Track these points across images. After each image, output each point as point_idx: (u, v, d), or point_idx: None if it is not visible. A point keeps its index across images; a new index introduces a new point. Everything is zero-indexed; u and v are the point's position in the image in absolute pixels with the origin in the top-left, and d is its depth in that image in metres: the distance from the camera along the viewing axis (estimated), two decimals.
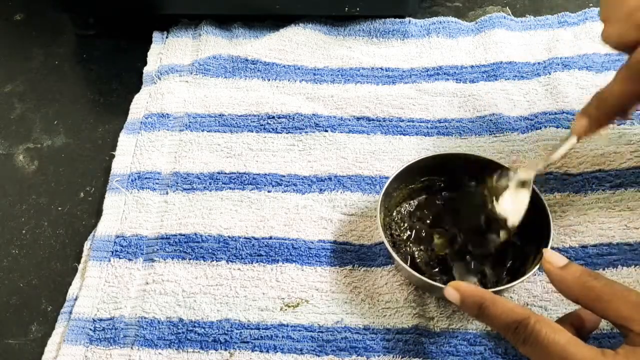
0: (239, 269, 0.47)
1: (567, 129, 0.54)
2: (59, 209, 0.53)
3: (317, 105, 0.57)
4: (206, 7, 0.64)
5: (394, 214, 0.48)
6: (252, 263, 0.47)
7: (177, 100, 0.59)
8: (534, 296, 0.44)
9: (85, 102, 0.62)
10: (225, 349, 0.43)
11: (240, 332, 0.43)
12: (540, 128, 0.54)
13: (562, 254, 0.38)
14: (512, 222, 0.43)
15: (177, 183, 0.52)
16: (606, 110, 0.39)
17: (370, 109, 0.57)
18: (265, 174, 0.52)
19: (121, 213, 0.50)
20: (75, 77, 0.65)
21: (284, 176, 0.52)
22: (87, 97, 0.62)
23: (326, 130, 0.55)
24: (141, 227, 0.49)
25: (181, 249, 0.48)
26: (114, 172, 0.53)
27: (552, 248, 0.41)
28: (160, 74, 0.61)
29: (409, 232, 0.47)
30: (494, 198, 0.44)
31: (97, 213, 0.51)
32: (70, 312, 0.45)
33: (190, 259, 0.47)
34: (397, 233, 0.47)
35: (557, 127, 0.54)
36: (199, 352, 0.43)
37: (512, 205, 0.43)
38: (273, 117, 0.56)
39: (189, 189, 0.52)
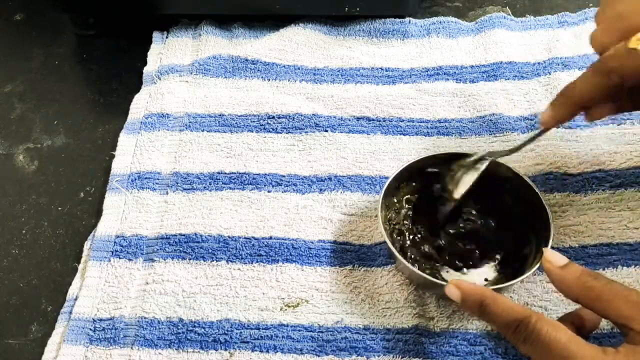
0: (239, 269, 0.47)
1: (567, 129, 0.54)
2: (59, 209, 0.53)
3: (317, 105, 0.57)
4: (206, 7, 0.64)
5: (395, 212, 0.48)
6: (252, 263, 0.47)
7: (177, 100, 0.59)
8: (534, 296, 0.44)
9: (85, 102, 0.62)
10: (225, 349, 0.43)
11: (240, 332, 0.43)
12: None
13: (562, 254, 0.38)
14: (456, 194, 0.44)
15: (177, 183, 0.52)
16: (568, 103, 0.40)
17: (370, 109, 0.57)
18: (265, 174, 0.52)
19: (121, 213, 0.50)
20: (75, 77, 0.65)
21: (284, 176, 0.52)
22: (87, 97, 0.62)
23: (326, 130, 0.55)
24: (141, 227, 0.49)
25: (181, 249, 0.48)
26: (114, 172, 0.53)
27: (552, 248, 0.41)
28: (160, 74, 0.61)
29: (409, 231, 0.47)
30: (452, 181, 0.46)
31: (97, 213, 0.51)
32: (70, 312, 0.45)
33: (190, 259, 0.47)
34: (397, 232, 0.47)
35: (557, 127, 0.54)
36: (199, 352, 0.43)
37: (460, 182, 0.45)
38: (273, 117, 0.56)
39: (189, 189, 0.52)
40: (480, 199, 0.48)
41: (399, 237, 0.47)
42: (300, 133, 0.55)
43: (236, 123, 0.56)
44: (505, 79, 0.59)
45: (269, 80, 0.60)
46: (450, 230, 0.47)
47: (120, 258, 0.48)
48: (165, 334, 0.43)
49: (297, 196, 0.51)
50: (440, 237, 0.47)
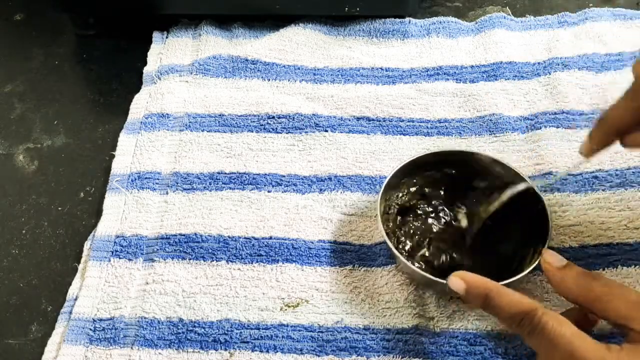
0: (239, 269, 0.47)
1: (567, 129, 0.54)
2: (59, 209, 0.53)
3: (317, 105, 0.57)
4: (206, 7, 0.64)
5: (394, 210, 0.48)
6: (252, 263, 0.47)
7: (177, 100, 0.59)
8: (534, 296, 0.44)
9: (85, 102, 0.62)
10: (225, 349, 0.43)
11: (240, 332, 0.43)
12: (540, 128, 0.54)
13: (562, 254, 0.38)
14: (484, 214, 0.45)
15: (177, 183, 0.52)
16: (606, 130, 0.39)
17: (370, 109, 0.57)
18: (265, 174, 0.52)
19: (121, 213, 0.50)
20: (75, 77, 0.65)
21: (284, 176, 0.52)
22: (87, 97, 0.62)
23: (326, 130, 0.55)
24: (141, 227, 0.49)
25: (181, 249, 0.48)
26: (114, 172, 0.53)
27: (552, 248, 0.41)
28: (160, 74, 0.61)
29: (409, 229, 0.47)
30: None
31: (97, 213, 0.51)
32: (70, 312, 0.45)
33: (190, 259, 0.47)
34: (397, 230, 0.47)
35: (557, 127, 0.54)
36: (199, 352, 0.43)
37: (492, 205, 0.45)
38: (273, 117, 0.56)
39: (189, 189, 0.52)
40: (480, 199, 0.48)
41: (399, 235, 0.47)
42: (300, 133, 0.55)
43: (236, 123, 0.56)
44: (505, 79, 0.59)
45: (269, 80, 0.60)
46: (449, 232, 0.47)
47: (120, 258, 0.48)
48: (165, 334, 0.43)
49: (297, 196, 0.51)
50: (440, 237, 0.47)
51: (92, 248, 0.48)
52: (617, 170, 0.51)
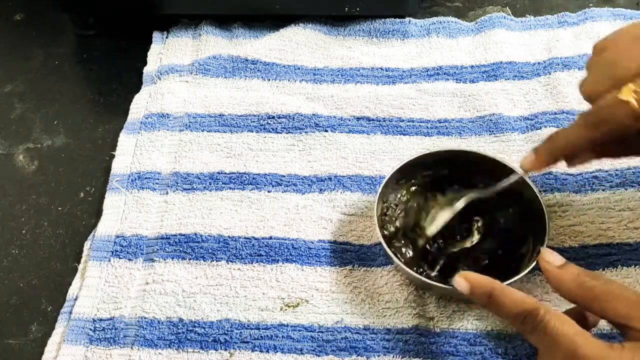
0: (239, 269, 0.47)
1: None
2: (59, 209, 0.53)
3: (317, 105, 0.57)
4: (206, 7, 0.64)
5: (393, 211, 0.48)
6: (252, 263, 0.47)
7: (177, 100, 0.59)
8: (534, 296, 0.44)
9: (85, 102, 0.62)
10: (225, 349, 0.43)
11: (240, 332, 0.43)
12: (540, 128, 0.54)
13: (562, 254, 0.38)
14: (429, 231, 0.45)
15: (177, 183, 0.52)
16: (553, 151, 0.40)
17: (370, 109, 0.57)
18: (265, 174, 0.52)
19: (121, 213, 0.50)
20: (75, 77, 0.65)
21: (284, 176, 0.52)
22: (87, 97, 0.62)
23: (326, 130, 0.55)
24: (141, 227, 0.49)
25: (181, 249, 0.48)
26: (114, 172, 0.53)
27: (552, 248, 0.41)
28: (160, 74, 0.61)
29: (405, 231, 0.47)
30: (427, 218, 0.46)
31: (97, 213, 0.51)
32: (70, 312, 0.45)
33: (190, 259, 0.47)
34: (395, 231, 0.47)
35: (557, 127, 0.54)
36: (199, 352, 0.43)
37: (435, 219, 0.46)
38: (273, 117, 0.56)
39: (189, 189, 0.52)
40: (479, 198, 0.48)
41: (396, 239, 0.47)
42: (300, 133, 0.55)
43: (236, 123, 0.56)
44: (505, 79, 0.59)
45: (269, 80, 0.60)
46: (447, 232, 0.47)
47: (120, 258, 0.48)
48: (165, 334, 0.43)
49: (297, 196, 0.51)
50: (438, 238, 0.47)
51: (92, 248, 0.48)
52: (617, 170, 0.51)
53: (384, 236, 0.44)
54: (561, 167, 0.43)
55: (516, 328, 0.36)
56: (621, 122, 0.35)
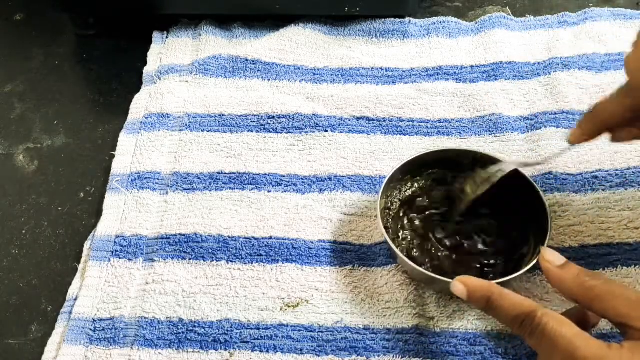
0: (239, 269, 0.47)
1: (567, 129, 0.54)
2: (59, 209, 0.53)
3: (317, 105, 0.57)
4: (206, 7, 0.64)
5: (396, 207, 0.48)
6: (252, 263, 0.47)
7: (177, 100, 0.59)
8: (534, 296, 0.44)
9: (85, 102, 0.62)
10: (225, 349, 0.43)
11: (240, 332, 0.43)
12: (540, 128, 0.54)
13: (562, 254, 0.38)
14: (468, 198, 0.45)
15: (177, 183, 0.52)
16: (596, 122, 0.40)
17: (370, 109, 0.57)
18: (265, 174, 0.52)
19: (121, 213, 0.50)
20: (75, 77, 0.65)
21: (284, 176, 0.52)
22: (87, 97, 0.62)
23: (326, 130, 0.55)
24: (141, 227, 0.49)
25: (181, 249, 0.48)
26: (114, 172, 0.53)
27: (553, 248, 0.41)
28: (160, 74, 0.61)
29: (408, 227, 0.47)
30: (469, 188, 0.46)
31: (97, 213, 0.51)
32: (70, 312, 0.45)
33: (190, 259, 0.47)
34: (398, 227, 0.47)
35: (557, 127, 0.54)
36: (199, 352, 0.43)
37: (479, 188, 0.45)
38: (273, 117, 0.56)
39: (189, 189, 0.52)
40: (480, 197, 0.48)
41: (401, 236, 0.47)
42: (300, 133, 0.55)
43: (236, 123, 0.56)
44: (505, 79, 0.59)
45: (269, 80, 0.60)
46: (450, 230, 0.47)
47: (120, 258, 0.48)
48: (165, 334, 0.43)
49: (297, 196, 0.51)
50: (441, 234, 0.47)
51: (92, 248, 0.48)
52: (617, 170, 0.51)
53: (387, 232, 0.44)
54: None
55: (515, 331, 0.36)
56: None
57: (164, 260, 0.47)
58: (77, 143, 0.58)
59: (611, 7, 0.66)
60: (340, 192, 0.51)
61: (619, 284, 0.34)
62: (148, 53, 0.64)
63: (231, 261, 0.47)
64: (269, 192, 0.51)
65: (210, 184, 0.52)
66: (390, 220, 0.48)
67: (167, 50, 0.64)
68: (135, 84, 0.62)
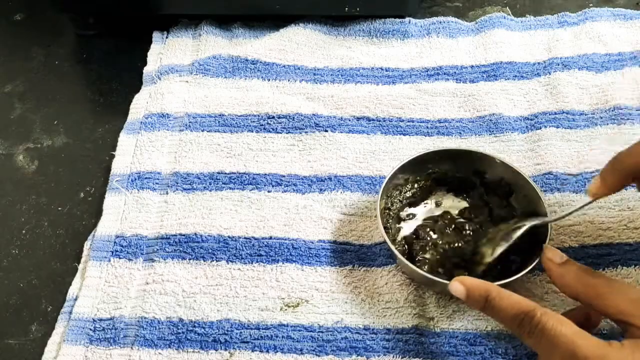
0: (239, 269, 0.47)
1: (567, 129, 0.54)
2: (59, 209, 0.53)
3: (317, 105, 0.57)
4: (206, 7, 0.64)
5: (396, 207, 0.48)
6: (252, 263, 0.47)
7: (177, 100, 0.59)
8: (534, 296, 0.44)
9: (85, 102, 0.62)
10: (225, 349, 0.43)
11: (240, 332, 0.43)
12: (540, 128, 0.54)
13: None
14: (485, 260, 0.43)
15: (177, 183, 0.52)
16: (621, 174, 0.38)
17: (370, 109, 0.57)
18: (265, 174, 0.52)
19: (121, 213, 0.50)
20: (75, 77, 0.65)
21: (284, 176, 0.52)
22: (87, 97, 0.62)
23: (326, 130, 0.55)
24: (141, 227, 0.49)
25: (181, 249, 0.48)
26: (114, 172, 0.53)
27: None
28: (160, 74, 0.61)
29: (408, 228, 0.47)
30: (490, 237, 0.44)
31: (97, 213, 0.51)
32: (70, 312, 0.45)
33: (190, 259, 0.47)
34: (398, 228, 0.47)
35: (557, 127, 0.54)
36: (199, 352, 0.43)
37: (496, 248, 0.43)
38: (273, 117, 0.56)
39: (189, 189, 0.52)
40: (480, 197, 0.48)
41: (401, 236, 0.47)
42: (300, 133, 0.55)
43: (236, 123, 0.56)
44: (505, 79, 0.59)
45: (269, 80, 0.60)
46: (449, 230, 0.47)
47: (120, 258, 0.48)
48: (165, 334, 0.43)
49: (297, 196, 0.51)
50: (439, 235, 0.47)
51: (92, 248, 0.48)
52: None
53: (387, 233, 0.44)
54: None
55: (514, 332, 0.35)
56: None
57: (164, 260, 0.47)
58: (77, 143, 0.58)
59: (611, 7, 0.66)
60: (340, 192, 0.51)
61: (621, 282, 0.34)
62: (148, 53, 0.64)
63: (231, 261, 0.47)
64: (269, 192, 0.51)
65: (210, 184, 0.52)
66: (390, 220, 0.47)
67: (167, 50, 0.64)
68: (135, 84, 0.62)
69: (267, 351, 0.43)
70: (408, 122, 0.56)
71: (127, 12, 0.66)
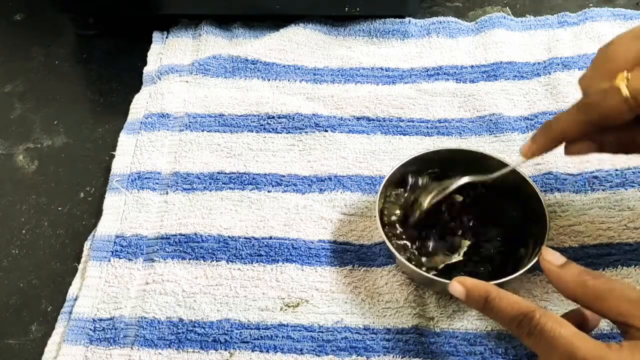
0: (239, 269, 0.47)
1: None
2: (59, 209, 0.53)
3: (317, 105, 0.57)
4: (206, 7, 0.64)
5: (395, 208, 0.48)
6: (252, 263, 0.47)
7: (177, 100, 0.59)
8: (534, 296, 0.44)
9: (85, 102, 0.62)
10: (225, 349, 0.43)
11: (240, 332, 0.43)
12: None
13: (562, 254, 0.38)
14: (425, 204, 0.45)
15: (177, 183, 0.52)
16: (550, 134, 0.40)
17: (370, 109, 0.57)
18: (265, 174, 0.52)
19: (121, 213, 0.50)
20: (75, 77, 0.65)
21: (284, 176, 0.52)
22: (87, 97, 0.62)
23: (326, 130, 0.55)
24: (141, 227, 0.49)
25: (181, 249, 0.48)
26: (114, 172, 0.53)
27: (552, 248, 0.41)
28: (160, 74, 0.61)
29: (409, 226, 0.47)
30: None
31: (97, 213, 0.51)
32: (70, 312, 0.45)
33: (190, 259, 0.47)
34: (396, 228, 0.47)
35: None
36: (199, 352, 0.43)
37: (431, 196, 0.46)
38: (273, 117, 0.56)
39: (189, 189, 0.52)
40: (480, 196, 0.48)
41: (400, 236, 0.47)
42: (300, 133, 0.55)
43: (236, 123, 0.56)
44: (505, 79, 0.59)
45: (269, 80, 0.60)
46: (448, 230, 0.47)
47: (120, 258, 0.48)
48: (165, 334, 0.43)
49: (297, 196, 0.51)
50: (437, 236, 0.47)
51: (92, 248, 0.48)
52: (617, 170, 0.51)
53: (385, 232, 0.44)
54: (561, 164, 0.41)
55: (513, 332, 0.35)
56: (611, 106, 0.36)
57: (164, 260, 0.47)
58: (77, 143, 0.58)
59: (611, 7, 0.66)
60: (340, 192, 0.51)
61: (620, 283, 0.34)
62: (148, 53, 0.64)
63: (231, 261, 0.47)
64: (269, 192, 0.51)
65: (210, 184, 0.52)
66: (390, 221, 0.47)
67: (167, 50, 0.64)
68: (135, 84, 0.62)
69: (267, 351, 0.43)
70: (408, 122, 0.56)
71: (127, 12, 0.66)
